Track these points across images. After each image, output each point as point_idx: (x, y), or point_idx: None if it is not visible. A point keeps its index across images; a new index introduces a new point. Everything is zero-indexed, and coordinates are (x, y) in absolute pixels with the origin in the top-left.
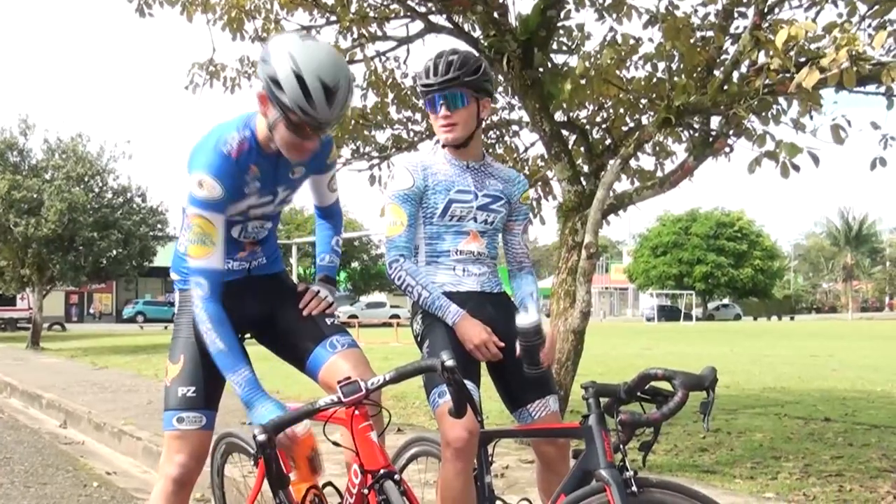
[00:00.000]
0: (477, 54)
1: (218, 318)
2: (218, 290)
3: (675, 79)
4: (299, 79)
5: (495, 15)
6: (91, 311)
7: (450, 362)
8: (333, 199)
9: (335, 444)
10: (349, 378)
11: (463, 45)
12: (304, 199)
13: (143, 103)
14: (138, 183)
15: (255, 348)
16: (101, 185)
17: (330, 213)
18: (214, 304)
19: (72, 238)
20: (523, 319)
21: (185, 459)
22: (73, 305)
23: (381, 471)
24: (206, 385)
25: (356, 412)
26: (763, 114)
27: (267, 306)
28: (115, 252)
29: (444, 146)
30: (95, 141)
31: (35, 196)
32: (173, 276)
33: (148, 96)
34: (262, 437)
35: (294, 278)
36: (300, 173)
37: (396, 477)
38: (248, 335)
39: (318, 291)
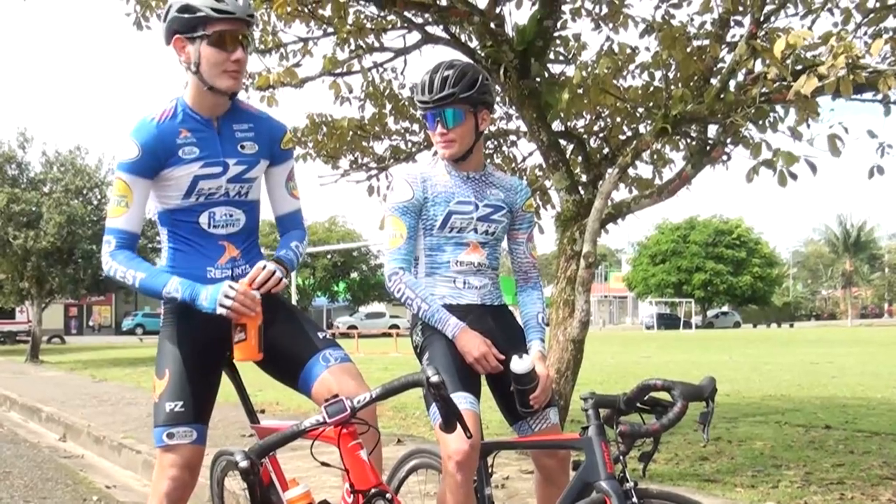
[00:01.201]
0: (474, 65)
1: (126, 258)
2: (126, 248)
3: (672, 88)
4: None
5: (492, 25)
6: (90, 323)
7: (435, 378)
8: (294, 207)
9: (324, 464)
10: (335, 396)
11: (460, 56)
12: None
13: (141, 115)
14: None
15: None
16: (99, 197)
17: (292, 226)
18: (121, 251)
19: (71, 251)
20: (517, 365)
21: (177, 474)
22: (73, 318)
23: (372, 490)
24: (195, 399)
25: (344, 431)
26: (760, 122)
27: None
28: None
29: (443, 159)
30: (94, 153)
31: (34, 209)
32: None
33: (146, 108)
34: (244, 464)
35: (293, 289)
36: (251, 149)
37: (388, 496)
38: None
39: (266, 266)
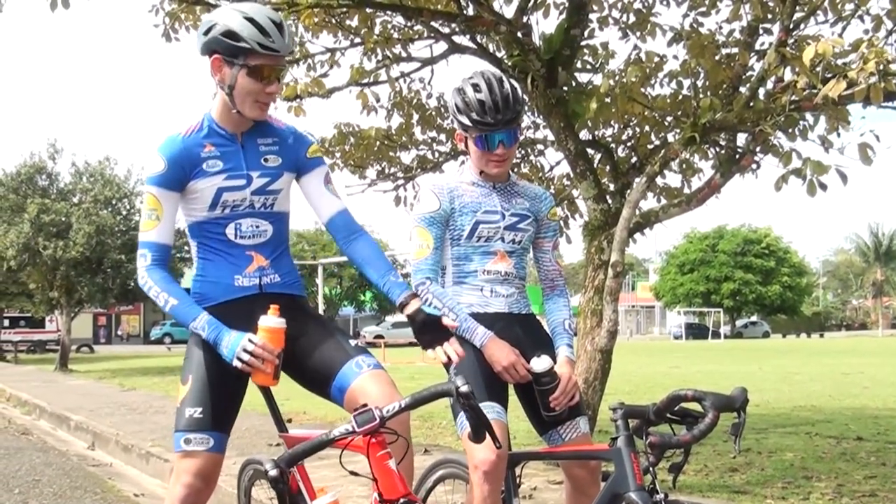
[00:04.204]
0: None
1: (162, 278)
2: (162, 262)
3: (701, 96)
4: (252, 21)
5: (519, 34)
6: (119, 332)
7: (464, 388)
8: (338, 206)
9: (353, 473)
10: (364, 406)
11: (487, 66)
12: None
13: (170, 126)
14: None
15: None
16: (128, 207)
17: (348, 228)
18: (157, 269)
19: (100, 260)
20: (536, 364)
21: (191, 481)
22: (101, 327)
23: (401, 500)
24: (215, 406)
25: (373, 440)
26: (790, 130)
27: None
28: None
29: (486, 175)
30: (123, 164)
31: (63, 219)
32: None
33: (175, 119)
34: (274, 472)
35: (319, 299)
36: (275, 162)
37: None
38: None
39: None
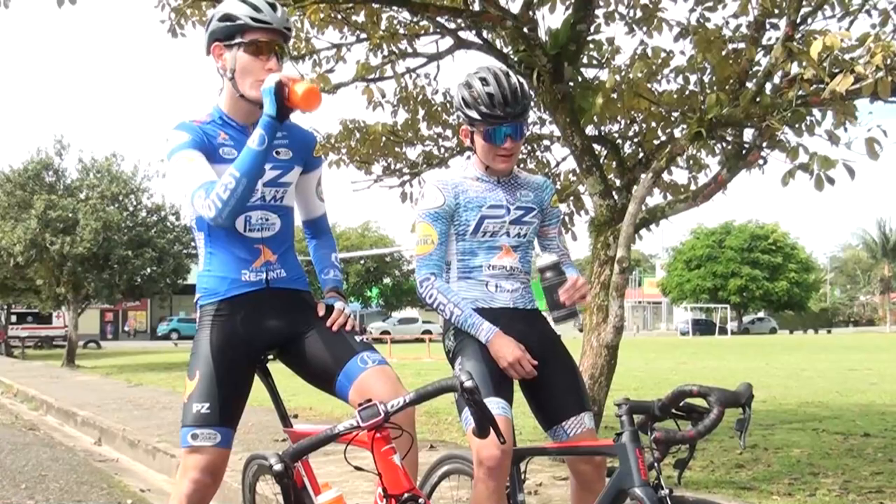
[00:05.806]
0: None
1: (213, 186)
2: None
3: (707, 91)
4: (244, 1)
5: (525, 30)
6: (126, 328)
7: (469, 383)
8: (321, 211)
9: (357, 468)
10: (369, 401)
11: (493, 61)
12: (335, 214)
13: (176, 122)
14: (172, 201)
15: (279, 366)
16: (135, 203)
17: (320, 230)
18: (209, 188)
19: (106, 256)
20: (541, 260)
21: (198, 476)
22: (108, 323)
23: (405, 495)
24: (222, 402)
25: (377, 435)
26: (797, 125)
27: (290, 322)
28: (149, 270)
29: (491, 170)
30: (129, 160)
31: (70, 215)
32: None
33: (181, 115)
34: (278, 467)
35: None
36: (286, 155)
37: (421, 501)
38: (270, 356)
39: (344, 308)
